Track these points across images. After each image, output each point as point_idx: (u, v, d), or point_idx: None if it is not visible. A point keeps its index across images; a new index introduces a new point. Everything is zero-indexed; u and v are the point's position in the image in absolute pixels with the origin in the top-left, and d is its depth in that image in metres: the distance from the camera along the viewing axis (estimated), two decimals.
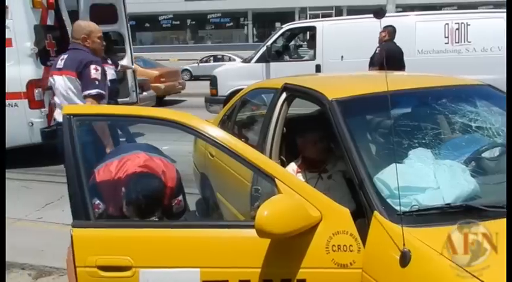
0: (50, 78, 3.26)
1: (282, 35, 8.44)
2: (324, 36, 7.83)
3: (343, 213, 1.63)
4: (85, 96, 3.18)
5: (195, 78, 20.48)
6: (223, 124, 3.37)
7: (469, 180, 1.72)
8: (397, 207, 1.56)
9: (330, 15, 24.79)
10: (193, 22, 34.75)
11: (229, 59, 20.61)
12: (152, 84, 10.86)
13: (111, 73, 5.80)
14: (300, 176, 2.32)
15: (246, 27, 34.50)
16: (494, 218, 1.50)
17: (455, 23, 7.32)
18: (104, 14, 6.68)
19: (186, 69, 20.89)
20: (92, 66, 3.11)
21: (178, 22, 34.55)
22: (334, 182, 2.33)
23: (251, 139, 2.88)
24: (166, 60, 23.65)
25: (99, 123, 2.88)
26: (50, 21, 6.06)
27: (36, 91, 5.67)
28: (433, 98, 2.20)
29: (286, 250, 1.60)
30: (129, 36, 7.26)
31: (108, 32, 6.92)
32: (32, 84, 5.65)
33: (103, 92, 3.22)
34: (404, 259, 1.42)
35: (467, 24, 7.28)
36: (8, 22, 5.54)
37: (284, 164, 2.44)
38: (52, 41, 6.13)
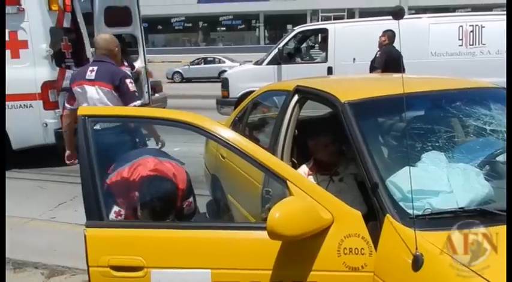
0: (77, 87, 3.37)
1: (293, 37, 8.42)
2: (336, 39, 7.80)
3: (355, 216, 1.62)
4: None
5: (186, 80, 20.59)
6: (234, 126, 3.38)
7: (483, 184, 1.70)
8: (410, 211, 1.54)
9: (342, 18, 24.71)
10: (205, 24, 34.93)
11: (219, 62, 20.82)
12: None
13: None
14: (311, 179, 2.32)
15: (257, 29, 34.55)
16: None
17: (470, 25, 7.24)
18: (118, 17, 6.76)
19: (177, 72, 21.03)
20: (128, 80, 3.35)
21: (190, 24, 34.76)
22: (345, 184, 2.32)
23: (262, 141, 2.88)
24: (178, 62, 23.84)
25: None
26: (66, 24, 6.15)
27: (50, 92, 5.75)
28: (447, 101, 2.18)
29: (298, 252, 1.60)
30: (142, 38, 7.32)
31: (122, 34, 6.99)
32: (46, 85, 5.72)
33: (144, 102, 3.36)
34: (417, 263, 1.40)
35: (482, 27, 7.20)
36: (24, 24, 5.64)
37: (295, 167, 2.44)
38: (68, 43, 6.22)
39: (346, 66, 7.42)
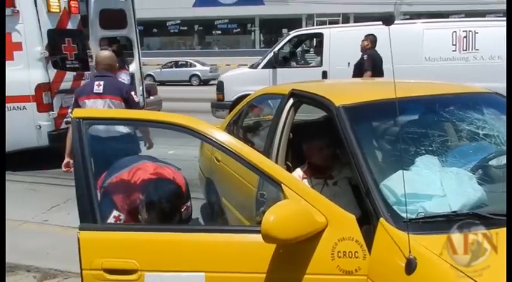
0: (86, 101, 3.65)
1: (289, 41, 8.46)
2: (331, 43, 7.85)
3: (349, 220, 1.63)
4: None
5: (159, 83, 20.52)
6: (229, 129, 3.38)
7: (476, 188, 1.71)
8: (403, 214, 1.55)
9: (337, 22, 24.85)
10: (201, 28, 34.91)
11: (190, 65, 20.90)
12: None
13: (126, 78, 5.89)
14: (305, 182, 2.32)
15: (253, 33, 34.59)
16: (501, 226, 1.48)
17: (463, 31, 7.30)
18: (113, 19, 6.76)
19: (150, 75, 20.84)
20: (132, 93, 3.85)
21: (185, 28, 34.72)
22: (339, 188, 2.33)
23: (257, 144, 2.88)
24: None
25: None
26: (71, 25, 6.18)
27: (44, 94, 5.72)
28: (440, 106, 2.19)
29: (292, 256, 1.60)
30: (137, 41, 7.32)
31: (117, 37, 6.99)
32: (40, 87, 5.70)
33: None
34: (410, 266, 1.41)
35: (475, 32, 7.26)
36: (18, 26, 5.61)
37: (290, 170, 2.44)
38: (72, 45, 6.21)
39: (340, 71, 7.46)
